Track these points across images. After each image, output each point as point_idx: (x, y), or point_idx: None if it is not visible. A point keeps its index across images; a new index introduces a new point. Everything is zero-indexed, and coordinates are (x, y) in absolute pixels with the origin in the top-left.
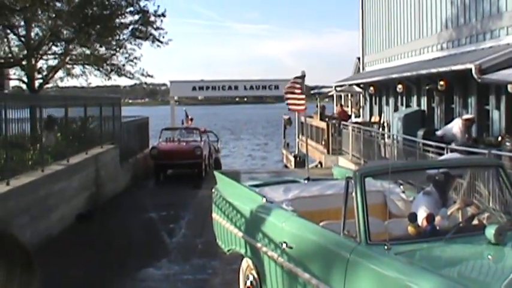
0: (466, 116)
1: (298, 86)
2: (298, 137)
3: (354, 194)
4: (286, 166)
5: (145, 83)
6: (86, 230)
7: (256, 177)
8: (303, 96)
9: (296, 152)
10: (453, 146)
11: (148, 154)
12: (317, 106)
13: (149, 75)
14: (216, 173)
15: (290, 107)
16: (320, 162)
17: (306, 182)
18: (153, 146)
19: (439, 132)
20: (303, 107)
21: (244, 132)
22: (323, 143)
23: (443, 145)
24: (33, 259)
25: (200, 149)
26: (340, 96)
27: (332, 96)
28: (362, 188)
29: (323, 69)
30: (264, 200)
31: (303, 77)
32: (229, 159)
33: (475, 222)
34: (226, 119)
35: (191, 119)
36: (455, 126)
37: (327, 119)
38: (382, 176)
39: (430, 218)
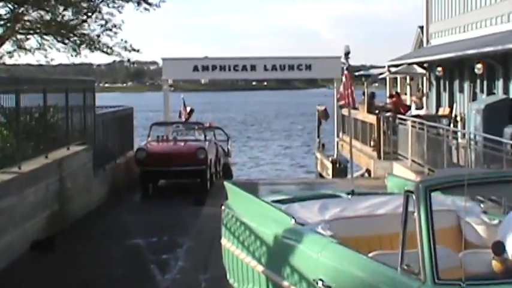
0: None
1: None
2: (338, 135)
3: (415, 214)
4: (321, 175)
5: (129, 61)
6: (45, 263)
7: (280, 189)
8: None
9: (335, 156)
10: None
11: (132, 158)
12: (364, 93)
13: (134, 50)
14: (226, 184)
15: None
16: (368, 170)
17: (349, 197)
18: (140, 147)
19: None
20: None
21: (266, 129)
22: (372, 143)
23: None
24: None
25: (204, 152)
26: (396, 79)
27: (384, 79)
28: (427, 206)
29: (372, 43)
30: (293, 221)
31: (346, 54)
32: (243, 166)
33: None
34: (240, 110)
35: (191, 111)
36: None
37: (377, 111)
38: (455, 189)
39: None
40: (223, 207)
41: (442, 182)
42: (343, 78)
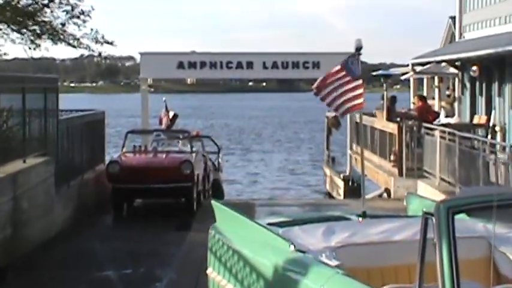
0: None
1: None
2: (351, 148)
3: (435, 240)
4: (330, 195)
5: (100, 55)
6: None
7: (280, 211)
8: (359, 83)
9: (347, 173)
10: None
11: (103, 173)
12: (383, 97)
13: (107, 42)
14: (214, 203)
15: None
16: (387, 190)
17: (360, 219)
18: (112, 160)
19: None
20: (360, 100)
21: (266, 139)
22: (392, 158)
23: None
24: None
25: (190, 165)
26: (422, 80)
27: (408, 80)
28: (449, 231)
29: (393, 37)
30: (292, 247)
31: (357, 50)
32: (238, 183)
33: None
34: (234, 116)
35: (174, 116)
36: None
37: (398, 119)
38: (484, 212)
39: None
40: (210, 231)
41: (468, 203)
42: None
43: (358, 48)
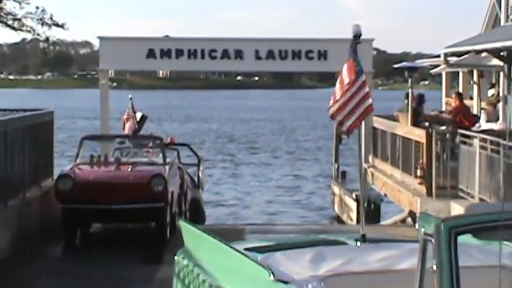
0: None
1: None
2: (367, 159)
3: (434, 267)
4: (339, 219)
5: (47, 40)
6: None
7: (274, 238)
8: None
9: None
10: None
11: (52, 189)
12: (407, 96)
13: (56, 25)
14: (182, 224)
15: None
16: (411, 213)
17: (358, 244)
18: (63, 173)
19: None
20: (369, 102)
21: (262, 149)
22: (419, 173)
23: None
24: None
25: (162, 181)
26: (457, 75)
27: (439, 75)
28: (451, 256)
29: (419, 21)
30: (272, 277)
31: (355, 37)
32: (225, 204)
33: None
34: (219, 119)
35: (142, 118)
36: None
37: (427, 123)
38: (496, 232)
39: None
40: (177, 256)
41: (473, 222)
42: (344, 69)
43: (357, 36)
